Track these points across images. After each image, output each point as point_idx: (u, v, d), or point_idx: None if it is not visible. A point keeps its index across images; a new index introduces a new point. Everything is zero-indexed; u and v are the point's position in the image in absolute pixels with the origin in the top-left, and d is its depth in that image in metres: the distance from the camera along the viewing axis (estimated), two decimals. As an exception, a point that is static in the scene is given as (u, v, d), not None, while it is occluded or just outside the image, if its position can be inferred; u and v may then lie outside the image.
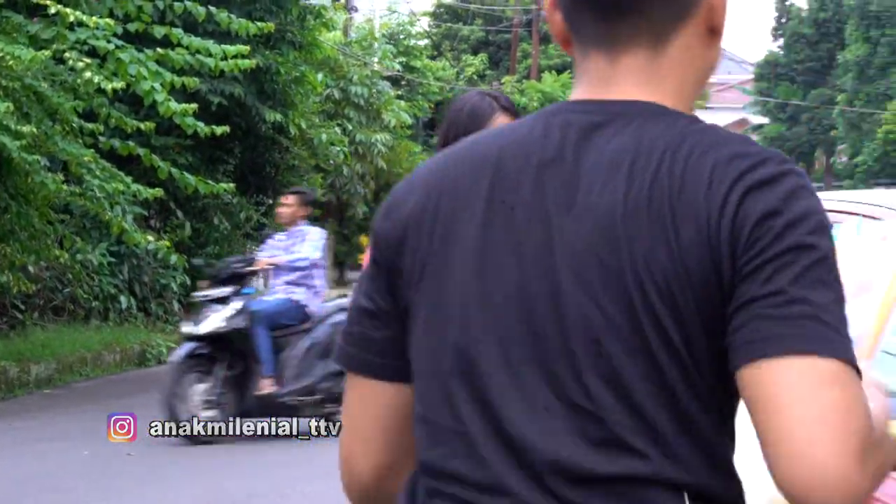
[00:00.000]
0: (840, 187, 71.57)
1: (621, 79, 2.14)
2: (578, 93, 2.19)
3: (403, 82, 37.41)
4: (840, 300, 1.95)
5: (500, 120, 5.13)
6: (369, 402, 2.26)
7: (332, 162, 26.60)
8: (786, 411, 1.87)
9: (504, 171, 2.11)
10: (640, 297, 1.98)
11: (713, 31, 2.20)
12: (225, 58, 14.99)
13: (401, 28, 40.17)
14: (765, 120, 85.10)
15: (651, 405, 1.98)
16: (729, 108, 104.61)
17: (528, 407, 2.03)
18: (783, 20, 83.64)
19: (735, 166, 1.99)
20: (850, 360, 1.90)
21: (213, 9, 15.28)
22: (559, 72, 51.84)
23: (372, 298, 2.21)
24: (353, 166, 29.19)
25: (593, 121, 2.11)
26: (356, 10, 38.27)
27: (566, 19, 2.20)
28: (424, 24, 53.13)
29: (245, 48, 15.15)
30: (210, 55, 14.86)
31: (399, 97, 33.70)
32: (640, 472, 1.97)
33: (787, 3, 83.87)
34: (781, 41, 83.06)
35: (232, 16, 15.57)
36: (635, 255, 1.98)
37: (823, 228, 1.97)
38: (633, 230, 1.99)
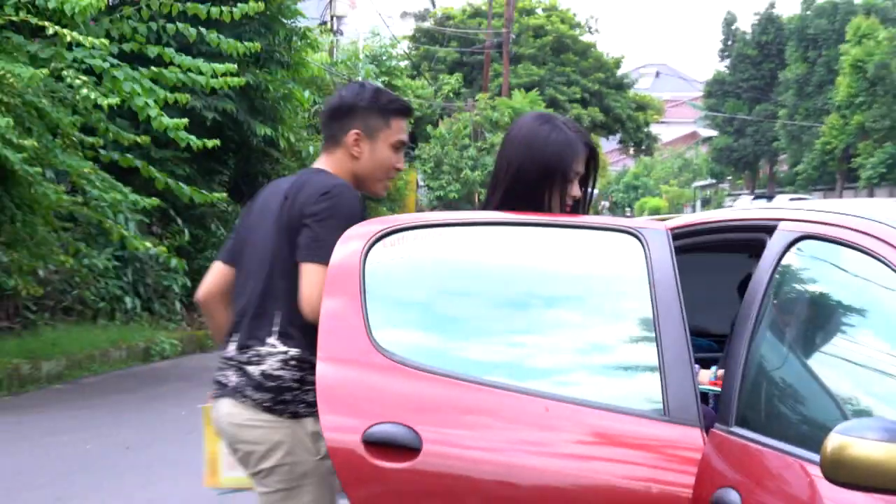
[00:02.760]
0: (783, 192, 71.57)
1: (318, 159, 4.85)
2: None
3: (386, 99, 36.96)
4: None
5: (581, 161, 4.68)
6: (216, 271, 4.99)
7: (320, 172, 26.20)
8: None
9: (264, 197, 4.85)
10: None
11: (353, 157, 4.79)
12: (215, 75, 14.58)
13: (383, 50, 39.83)
14: (714, 133, 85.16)
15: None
16: (681, 122, 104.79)
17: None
18: (729, 42, 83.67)
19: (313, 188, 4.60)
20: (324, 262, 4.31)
21: (203, 30, 14.83)
22: (528, 89, 51.55)
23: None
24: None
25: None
26: (341, 34, 37.90)
27: None
28: (405, 46, 52.74)
29: (232, 66, 14.73)
30: (201, 73, 14.47)
31: (382, 113, 33.26)
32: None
33: (733, 27, 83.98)
34: (728, 62, 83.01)
35: (221, 37, 15.09)
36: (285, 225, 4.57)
37: (329, 210, 4.49)
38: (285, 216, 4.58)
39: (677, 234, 4.46)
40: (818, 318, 4.00)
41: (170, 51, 14.40)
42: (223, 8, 14.83)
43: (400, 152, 4.86)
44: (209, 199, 15.88)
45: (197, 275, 21.86)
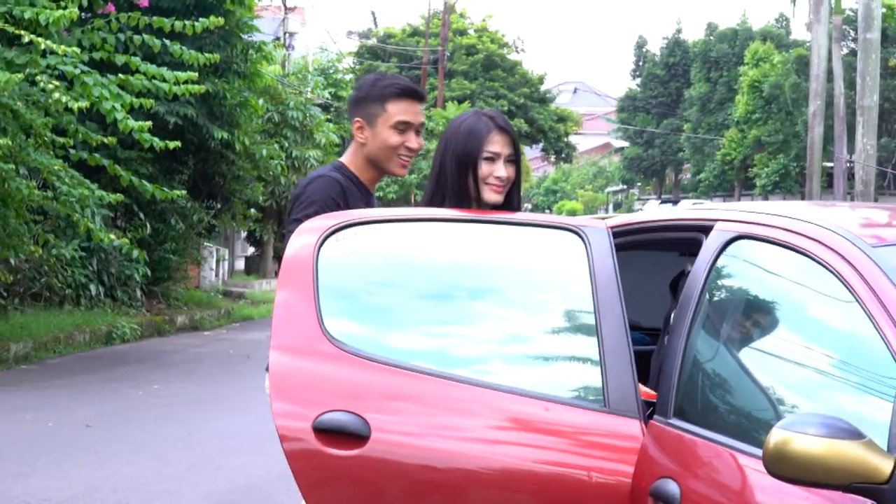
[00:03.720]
0: (686, 197, 72.01)
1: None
2: None
3: (332, 108, 36.75)
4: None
5: (496, 139, 4.43)
6: None
7: (271, 173, 25.84)
8: None
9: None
10: None
11: (361, 144, 4.70)
12: (177, 83, 14.28)
13: (330, 64, 39.58)
14: (626, 144, 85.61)
15: None
16: (596, 133, 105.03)
17: None
18: (640, 63, 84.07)
19: None
20: None
21: (167, 42, 14.53)
22: (460, 101, 51.52)
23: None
24: (289, 177, 28.48)
25: None
26: (293, 49, 37.59)
27: None
28: (349, 61, 52.48)
29: (193, 74, 14.41)
30: (165, 80, 14.18)
31: (328, 121, 33.02)
32: None
33: (644, 49, 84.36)
34: (639, 80, 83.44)
35: (184, 48, 14.81)
36: None
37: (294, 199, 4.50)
38: None
39: (616, 233, 4.19)
40: (752, 315, 3.78)
41: (136, 59, 14.09)
42: (186, 22, 14.57)
43: (407, 132, 4.67)
44: (169, 195, 15.56)
45: (157, 265, 21.63)
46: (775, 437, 2.89)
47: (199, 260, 26.13)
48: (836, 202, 4.71)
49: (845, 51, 44.74)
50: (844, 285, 3.29)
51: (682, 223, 4.31)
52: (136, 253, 15.70)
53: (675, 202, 69.16)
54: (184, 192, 16.92)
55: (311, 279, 3.87)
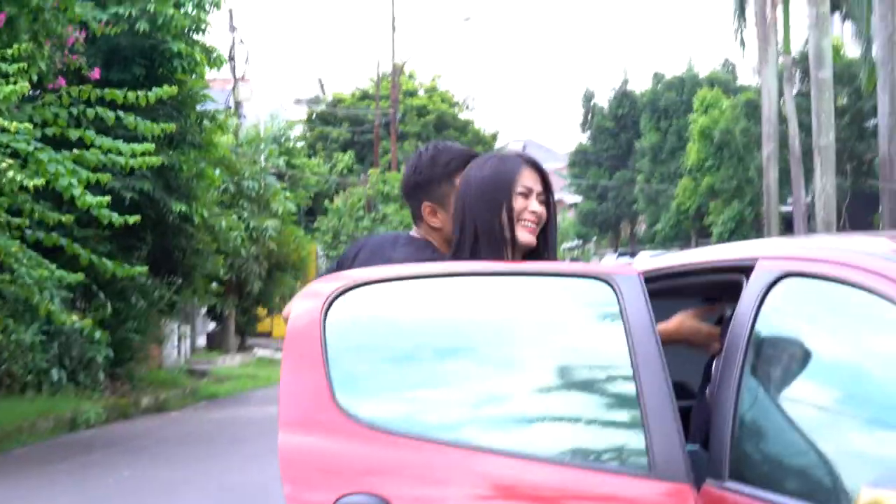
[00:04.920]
0: (643, 249, 72.05)
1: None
2: None
3: (287, 177, 36.46)
4: None
5: (527, 173, 4.04)
6: None
7: (231, 245, 25.41)
8: None
9: None
10: None
11: (435, 229, 4.26)
12: (134, 155, 13.92)
13: (281, 132, 39.34)
14: (579, 199, 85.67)
15: None
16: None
17: None
18: (589, 116, 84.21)
19: None
20: None
21: (121, 113, 14.20)
22: (414, 164, 51.43)
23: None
24: (248, 248, 28.08)
25: None
26: (244, 117, 37.33)
27: None
28: (300, 129, 52.39)
29: (150, 146, 14.10)
30: (121, 154, 13.83)
31: (284, 189, 32.71)
32: None
33: (591, 102, 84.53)
34: (588, 133, 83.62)
35: (138, 118, 14.48)
36: None
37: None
38: None
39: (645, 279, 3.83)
40: (810, 361, 3.42)
41: (90, 133, 13.77)
42: (139, 93, 14.26)
43: None
44: (131, 272, 15.20)
45: (119, 346, 21.08)
46: (866, 498, 2.58)
47: (160, 338, 25.61)
48: (879, 232, 4.38)
49: (794, 91, 44.96)
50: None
51: (718, 264, 3.97)
52: (98, 334, 15.24)
53: (633, 254, 69.15)
54: (145, 268, 16.53)
55: (318, 348, 3.52)
